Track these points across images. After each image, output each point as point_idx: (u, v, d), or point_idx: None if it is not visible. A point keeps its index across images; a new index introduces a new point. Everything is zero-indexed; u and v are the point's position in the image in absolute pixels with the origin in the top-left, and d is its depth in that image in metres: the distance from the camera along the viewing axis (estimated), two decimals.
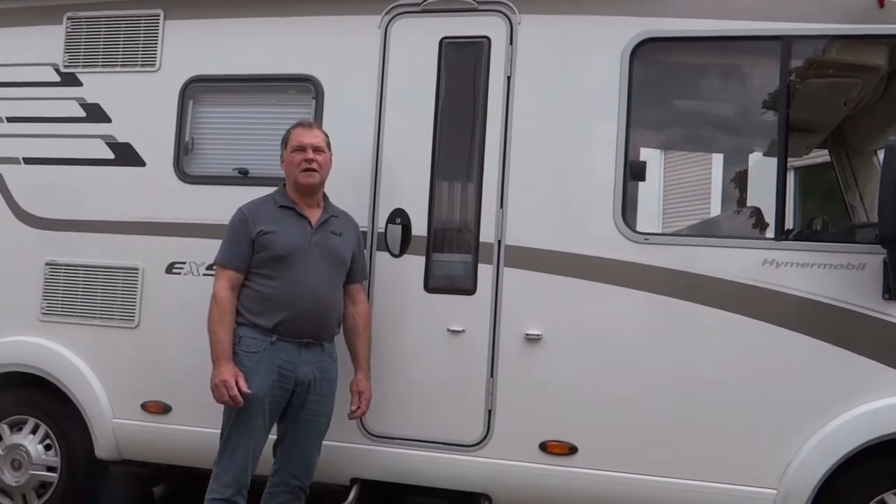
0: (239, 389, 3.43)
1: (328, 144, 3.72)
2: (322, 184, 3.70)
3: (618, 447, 3.64)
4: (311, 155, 3.62)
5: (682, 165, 10.60)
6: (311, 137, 3.66)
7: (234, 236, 3.60)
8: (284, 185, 3.73)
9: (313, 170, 3.62)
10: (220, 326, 3.51)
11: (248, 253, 3.57)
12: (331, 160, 3.72)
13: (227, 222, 3.67)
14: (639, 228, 3.75)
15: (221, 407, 3.54)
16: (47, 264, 4.39)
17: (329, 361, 3.66)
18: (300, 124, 3.74)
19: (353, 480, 3.94)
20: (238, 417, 3.48)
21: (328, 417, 3.68)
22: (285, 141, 3.71)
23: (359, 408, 3.73)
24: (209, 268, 3.92)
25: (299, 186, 3.65)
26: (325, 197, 3.75)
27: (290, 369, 3.53)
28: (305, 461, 3.64)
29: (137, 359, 4.23)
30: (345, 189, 3.94)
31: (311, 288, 3.55)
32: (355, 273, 3.76)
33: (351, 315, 3.75)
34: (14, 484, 4.37)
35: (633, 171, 3.86)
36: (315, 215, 3.67)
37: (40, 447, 4.39)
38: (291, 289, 3.53)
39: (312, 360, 3.58)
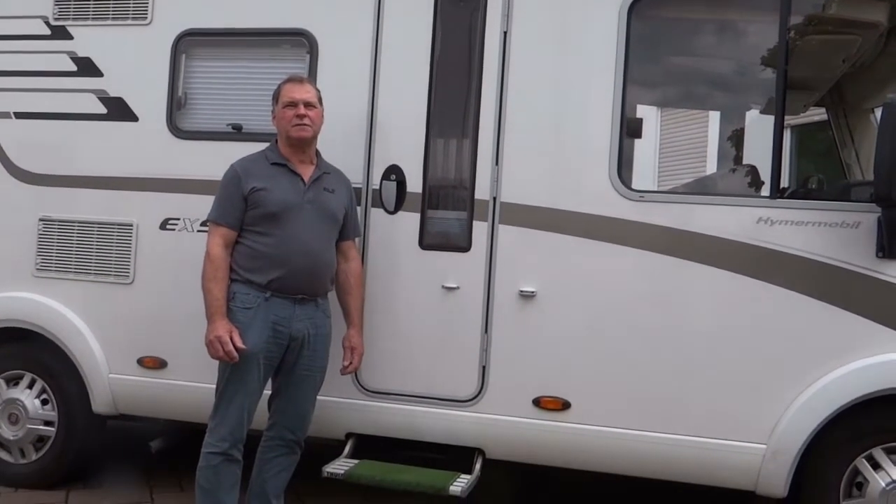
0: (234, 345, 3.44)
1: (320, 100, 3.68)
2: (314, 139, 3.67)
3: (610, 403, 3.67)
4: (302, 111, 3.58)
5: (679, 123, 10.55)
6: (302, 93, 3.62)
7: (226, 193, 3.58)
8: (276, 141, 3.70)
9: (306, 125, 3.59)
10: (213, 283, 3.50)
11: (240, 210, 3.54)
12: (322, 116, 3.68)
13: (220, 178, 3.64)
14: (634, 186, 3.73)
15: (216, 362, 3.55)
16: (41, 220, 4.37)
17: (323, 317, 3.67)
18: (291, 79, 3.69)
19: (349, 435, 3.99)
20: (233, 372, 3.50)
21: (322, 372, 3.70)
22: (276, 97, 3.67)
23: (351, 363, 3.76)
24: (203, 224, 3.91)
25: (292, 141, 3.62)
26: (317, 153, 3.73)
27: (284, 325, 3.54)
28: (300, 415, 3.67)
29: (133, 314, 4.23)
30: (339, 145, 3.91)
31: (304, 245, 3.54)
32: (348, 230, 3.75)
33: (343, 272, 3.75)
34: (12, 438, 4.41)
35: (630, 129, 3.84)
36: (308, 172, 3.64)
37: (37, 402, 4.41)
38: (285, 246, 3.52)
39: (306, 315, 3.59)
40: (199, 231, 4.03)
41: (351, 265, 3.77)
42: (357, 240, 3.86)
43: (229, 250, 3.56)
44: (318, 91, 3.71)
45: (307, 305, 3.59)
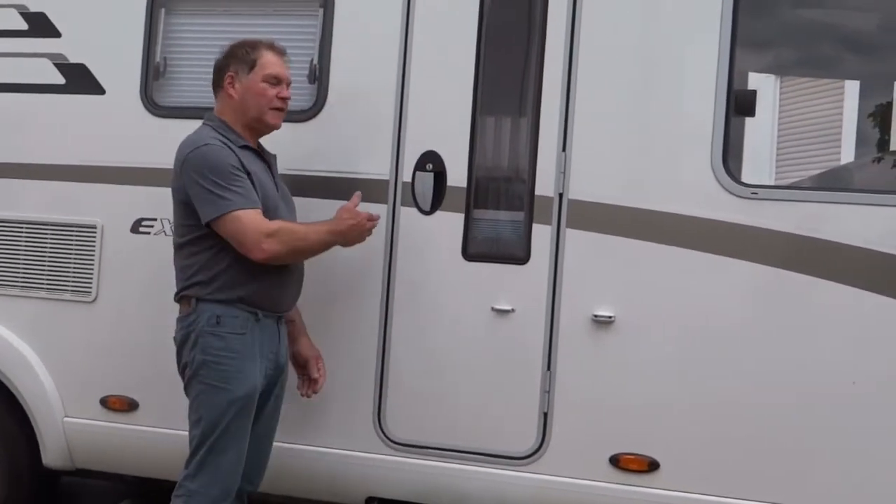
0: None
1: None
2: None
3: (712, 464, 3.66)
4: (287, 93, 3.70)
5: (805, 96, 10.45)
6: (285, 70, 3.74)
7: (234, 172, 3.51)
8: (217, 114, 3.70)
9: (282, 110, 3.71)
10: (308, 228, 3.61)
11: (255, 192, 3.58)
12: None
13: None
14: (745, 179, 3.74)
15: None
16: None
17: (286, 337, 3.80)
18: (271, 48, 3.73)
19: (370, 500, 4.02)
20: (237, 414, 3.52)
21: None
22: (250, 63, 3.68)
23: (321, 375, 3.84)
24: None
25: (261, 125, 3.70)
26: None
27: (275, 351, 3.67)
28: (262, 460, 3.78)
29: (95, 341, 4.31)
30: (357, 124, 3.98)
31: None
32: None
33: None
34: None
35: (739, 104, 3.83)
36: (265, 156, 3.77)
37: None
38: None
39: (284, 337, 3.74)
40: None
41: None
42: None
43: None
44: None
45: (282, 325, 3.72)
